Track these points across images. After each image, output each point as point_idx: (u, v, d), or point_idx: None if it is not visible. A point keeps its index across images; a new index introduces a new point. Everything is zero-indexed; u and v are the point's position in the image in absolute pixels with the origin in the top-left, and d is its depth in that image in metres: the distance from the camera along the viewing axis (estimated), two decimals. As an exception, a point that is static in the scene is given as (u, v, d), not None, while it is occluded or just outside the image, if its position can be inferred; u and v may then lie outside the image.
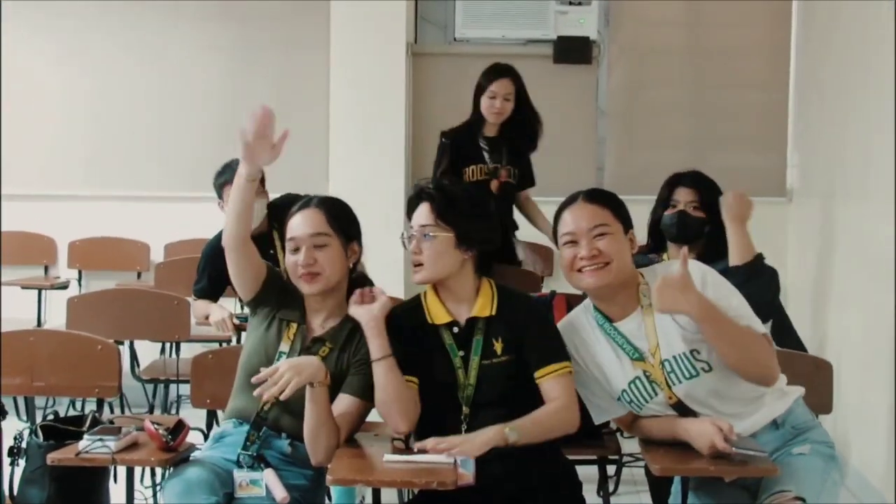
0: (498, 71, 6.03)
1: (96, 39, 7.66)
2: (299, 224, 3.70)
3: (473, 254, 3.61)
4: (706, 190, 4.78)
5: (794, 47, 7.52)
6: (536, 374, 3.55)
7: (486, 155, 6.11)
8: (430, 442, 3.37)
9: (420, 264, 3.56)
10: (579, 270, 3.50)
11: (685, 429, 3.45)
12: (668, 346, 3.50)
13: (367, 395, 3.59)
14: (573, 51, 7.53)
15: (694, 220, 4.71)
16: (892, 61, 5.45)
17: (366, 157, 7.07)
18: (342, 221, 3.75)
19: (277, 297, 3.79)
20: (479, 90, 6.07)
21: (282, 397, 3.33)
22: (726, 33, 7.63)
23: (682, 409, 3.50)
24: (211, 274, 5.34)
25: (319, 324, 3.72)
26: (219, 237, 5.72)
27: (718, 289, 3.52)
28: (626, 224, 3.58)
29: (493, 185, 6.07)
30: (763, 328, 3.56)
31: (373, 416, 3.78)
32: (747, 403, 3.53)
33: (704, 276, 3.51)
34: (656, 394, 3.51)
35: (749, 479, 3.50)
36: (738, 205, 4.65)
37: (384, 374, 3.48)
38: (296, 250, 3.66)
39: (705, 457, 3.35)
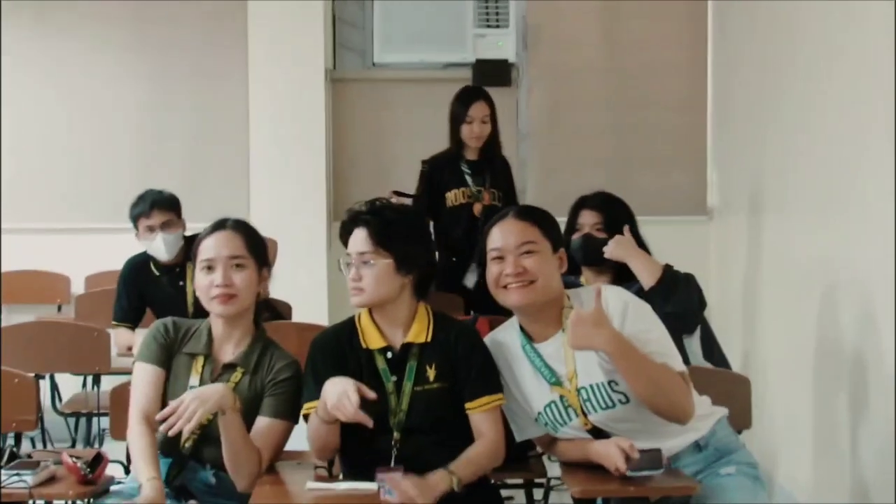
0: (471, 95, 6.07)
1: (9, 66, 7.55)
2: (216, 245, 3.64)
3: (412, 278, 3.60)
4: (610, 211, 4.83)
5: (711, 67, 7.61)
6: (467, 406, 3.55)
7: (468, 178, 6.11)
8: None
9: (360, 289, 3.53)
10: (504, 287, 3.50)
11: (595, 451, 3.45)
12: (586, 374, 3.48)
13: (286, 415, 3.57)
14: (492, 74, 7.55)
15: (598, 241, 4.72)
16: (804, 77, 5.57)
17: (287, 184, 7.07)
18: (257, 245, 3.72)
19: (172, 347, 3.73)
20: (456, 117, 6.10)
21: (187, 428, 3.27)
22: (644, 54, 7.70)
23: (599, 434, 3.50)
24: (130, 296, 5.34)
25: (230, 350, 3.67)
26: (135, 259, 5.72)
27: (639, 321, 3.51)
28: (556, 243, 3.58)
29: (477, 208, 6.06)
30: (681, 366, 3.54)
31: (294, 445, 3.78)
32: (665, 432, 3.51)
33: (626, 306, 3.51)
34: (571, 419, 3.51)
35: (674, 498, 3.48)
36: (618, 247, 4.68)
37: (316, 426, 3.46)
38: (209, 269, 3.61)
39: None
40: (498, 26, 7.60)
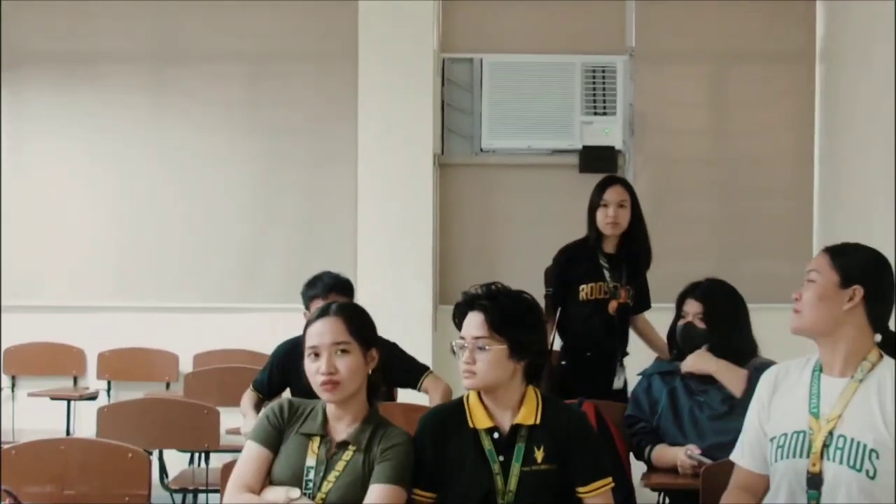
0: (609, 181, 5.80)
1: (126, 149, 7.73)
2: (320, 332, 3.66)
3: (524, 364, 3.61)
4: (712, 301, 4.87)
5: (818, 155, 7.57)
6: (580, 490, 3.54)
7: (606, 273, 5.76)
8: None
9: (472, 373, 3.54)
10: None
11: None
12: (853, 427, 3.36)
13: (398, 481, 3.52)
14: (599, 160, 7.55)
15: (697, 331, 4.80)
16: None
17: (394, 267, 7.10)
18: (362, 328, 3.70)
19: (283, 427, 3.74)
20: (593, 206, 5.78)
21: None
22: (750, 142, 7.67)
23: (815, 483, 3.37)
24: (274, 372, 5.32)
25: (343, 430, 3.64)
26: (291, 341, 5.72)
27: None
28: (847, 277, 3.43)
29: (612, 306, 5.71)
30: None
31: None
32: None
33: None
34: (801, 455, 3.40)
35: None
36: (697, 362, 4.76)
37: None
38: (316, 356, 3.63)
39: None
40: (605, 113, 7.60)
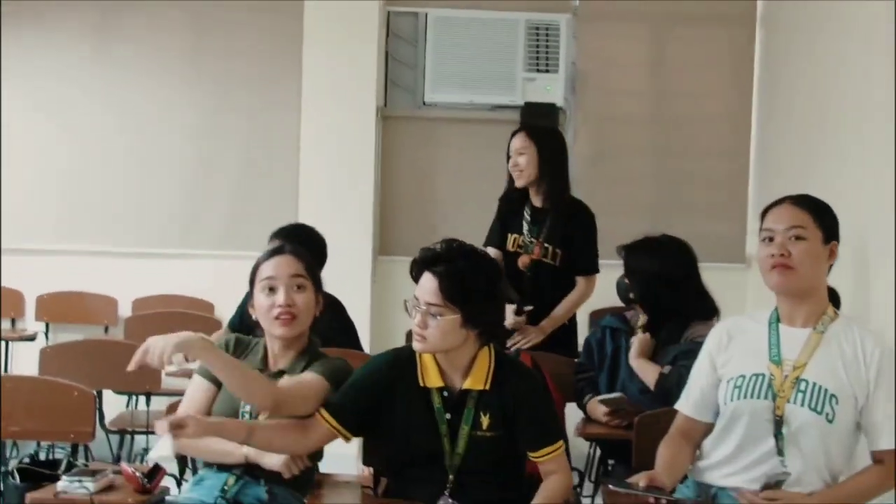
0: (515, 131, 5.65)
1: (68, 92, 7.70)
2: (277, 266, 3.72)
3: (478, 331, 3.59)
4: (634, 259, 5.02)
5: (755, 117, 7.66)
6: (531, 455, 3.59)
7: (525, 226, 5.60)
8: None
9: (424, 337, 3.49)
10: (770, 268, 3.49)
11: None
12: (818, 374, 3.46)
13: (324, 376, 3.57)
14: (540, 117, 7.50)
15: (625, 286, 5.05)
16: (846, 130, 5.64)
17: (335, 218, 7.09)
18: (314, 270, 3.82)
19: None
20: (507, 156, 5.64)
21: (159, 363, 3.24)
22: (689, 103, 7.75)
23: (780, 424, 3.47)
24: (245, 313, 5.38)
25: (283, 363, 3.74)
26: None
27: (886, 377, 3.46)
28: (828, 234, 3.54)
29: (522, 260, 5.52)
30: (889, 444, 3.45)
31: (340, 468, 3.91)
32: (817, 480, 3.49)
33: (882, 359, 3.47)
34: (764, 398, 3.48)
35: None
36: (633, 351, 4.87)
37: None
38: (271, 290, 3.69)
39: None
40: (547, 71, 7.63)
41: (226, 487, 3.65)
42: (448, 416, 3.59)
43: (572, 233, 5.58)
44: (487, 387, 3.59)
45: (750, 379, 3.53)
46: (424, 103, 7.75)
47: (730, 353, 3.63)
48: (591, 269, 5.61)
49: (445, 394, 3.60)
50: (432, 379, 3.60)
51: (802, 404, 3.45)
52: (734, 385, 3.56)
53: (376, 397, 3.63)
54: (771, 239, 3.50)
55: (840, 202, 5.63)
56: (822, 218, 3.53)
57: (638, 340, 4.88)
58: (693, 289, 4.96)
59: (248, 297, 5.65)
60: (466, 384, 3.58)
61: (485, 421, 3.58)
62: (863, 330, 3.56)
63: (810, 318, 3.54)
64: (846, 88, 5.78)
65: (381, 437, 3.70)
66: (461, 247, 3.63)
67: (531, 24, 7.66)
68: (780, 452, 3.47)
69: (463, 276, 3.52)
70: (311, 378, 3.58)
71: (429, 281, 3.50)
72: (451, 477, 3.58)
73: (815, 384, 3.44)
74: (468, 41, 7.67)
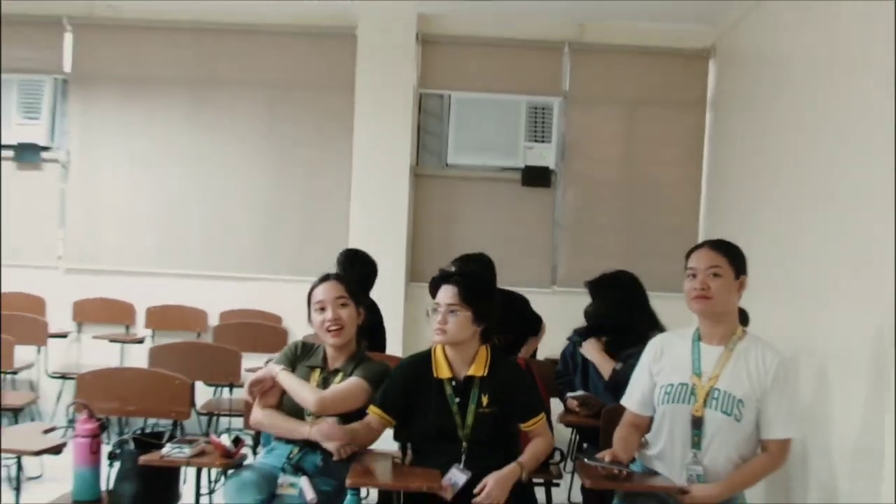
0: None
1: (171, 153, 7.74)
2: (325, 290, 3.88)
3: (483, 327, 3.76)
4: (595, 291, 5.14)
5: (705, 182, 7.62)
6: (522, 426, 3.74)
7: None
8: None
9: (444, 331, 3.68)
10: (693, 298, 3.56)
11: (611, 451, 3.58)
12: (729, 383, 3.52)
13: (367, 380, 3.78)
14: (536, 177, 7.61)
15: (589, 310, 5.08)
16: (778, 190, 5.69)
17: (377, 253, 6.98)
18: (354, 292, 3.93)
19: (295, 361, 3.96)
20: None
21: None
22: (652, 168, 7.71)
23: (698, 424, 3.55)
24: None
25: (337, 363, 3.89)
26: None
27: (777, 389, 3.52)
28: (738, 270, 3.58)
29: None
30: (785, 433, 3.54)
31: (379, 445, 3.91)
32: (729, 467, 3.55)
33: (778, 371, 3.53)
34: (688, 402, 3.56)
35: (661, 494, 3.54)
36: (587, 349, 5.00)
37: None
38: (322, 310, 3.85)
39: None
40: (543, 141, 7.63)
41: (291, 455, 3.75)
42: (457, 399, 3.71)
43: None
44: (486, 373, 3.73)
45: (677, 387, 3.62)
46: (447, 165, 7.74)
47: (662, 363, 3.71)
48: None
49: (454, 382, 3.73)
50: (443, 371, 3.75)
51: (716, 409, 3.54)
52: (665, 391, 3.65)
53: (406, 390, 3.75)
54: (694, 275, 3.58)
55: (765, 242, 5.73)
56: (734, 258, 3.60)
57: (589, 342, 5.01)
58: (644, 311, 5.01)
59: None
60: (470, 371, 3.73)
61: (485, 400, 3.70)
62: (764, 345, 3.61)
63: (723, 338, 3.61)
64: (774, 158, 5.81)
65: (409, 419, 3.79)
66: (468, 258, 3.87)
67: (531, 105, 7.67)
68: (696, 446, 3.55)
69: (474, 283, 3.78)
70: (354, 382, 3.77)
71: (448, 289, 3.71)
72: (464, 445, 3.67)
73: (726, 392, 3.52)
74: (482, 117, 7.68)
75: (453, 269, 4.09)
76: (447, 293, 3.73)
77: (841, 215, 4.60)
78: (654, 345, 3.80)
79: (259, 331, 6.86)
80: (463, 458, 3.67)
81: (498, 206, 7.73)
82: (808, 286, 5.01)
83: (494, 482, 3.54)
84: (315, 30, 7.65)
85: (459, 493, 3.57)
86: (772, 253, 5.62)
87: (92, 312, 7.64)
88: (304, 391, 3.71)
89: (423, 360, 3.84)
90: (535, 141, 7.70)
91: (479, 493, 3.53)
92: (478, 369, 3.75)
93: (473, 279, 3.86)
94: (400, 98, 7.55)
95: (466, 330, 3.72)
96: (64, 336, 7.42)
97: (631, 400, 3.79)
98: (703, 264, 3.58)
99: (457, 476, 3.62)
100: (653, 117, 7.78)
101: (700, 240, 7.42)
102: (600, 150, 7.79)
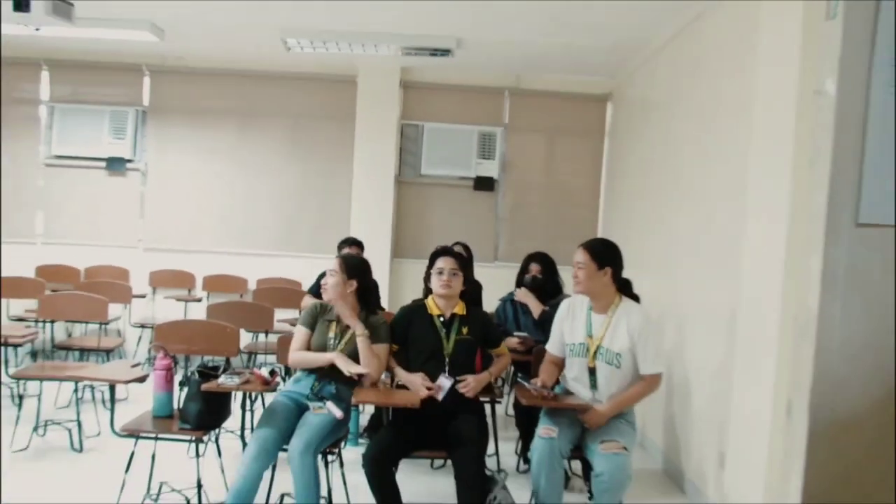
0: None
1: (222, 163, 7.66)
2: (331, 266, 3.86)
3: (466, 287, 3.88)
4: (546, 264, 5.11)
5: (603, 189, 7.60)
6: (492, 351, 3.88)
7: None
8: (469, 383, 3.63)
9: (450, 286, 3.78)
10: (574, 284, 3.61)
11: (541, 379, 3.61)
12: (611, 342, 3.55)
13: (385, 341, 3.76)
14: (484, 184, 7.60)
15: (536, 280, 5.05)
16: (653, 194, 5.73)
17: (370, 237, 7.10)
18: (350, 268, 3.86)
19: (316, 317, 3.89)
20: None
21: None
22: (566, 179, 7.68)
23: (592, 372, 3.59)
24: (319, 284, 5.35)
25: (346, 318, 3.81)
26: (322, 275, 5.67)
27: (643, 337, 3.52)
28: (601, 264, 3.57)
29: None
30: (658, 368, 3.55)
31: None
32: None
33: (642, 326, 3.54)
34: (584, 357, 3.60)
35: (574, 414, 3.58)
36: (520, 295, 5.03)
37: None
38: (324, 277, 3.86)
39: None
40: (489, 158, 7.61)
41: (314, 385, 3.74)
42: (444, 330, 3.75)
43: None
44: (465, 313, 3.81)
45: (577, 346, 3.65)
46: (421, 174, 7.68)
47: (568, 324, 3.73)
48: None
49: (442, 318, 3.78)
50: (435, 311, 3.80)
51: (602, 360, 3.58)
52: (570, 348, 3.69)
53: (406, 326, 3.81)
54: (575, 267, 3.62)
55: (645, 231, 5.77)
56: (596, 255, 3.60)
57: (522, 290, 5.06)
58: (557, 276, 5.13)
59: (318, 278, 5.67)
60: (455, 311, 3.80)
61: (464, 330, 3.77)
62: (635, 310, 3.62)
63: (605, 308, 3.62)
64: (651, 172, 5.81)
65: (407, 345, 3.83)
66: (457, 243, 4.58)
67: (481, 133, 7.63)
68: (593, 386, 3.61)
69: (462, 256, 3.97)
70: (383, 346, 3.75)
71: (449, 259, 3.86)
72: (447, 361, 3.71)
73: (607, 349, 3.56)
74: (446, 141, 7.63)
75: (447, 247, 4.21)
76: (449, 262, 3.85)
77: (701, 211, 4.64)
78: (564, 306, 3.81)
79: (285, 293, 6.81)
80: (446, 370, 3.70)
81: (456, 204, 7.72)
82: (677, 262, 5.05)
83: (474, 378, 3.65)
84: (326, 77, 7.57)
85: (437, 402, 3.60)
86: (649, 238, 5.69)
87: (163, 280, 7.55)
88: (356, 367, 3.65)
89: (418, 306, 3.92)
90: (484, 158, 7.66)
91: (462, 388, 3.64)
92: (460, 310, 3.82)
93: (462, 254, 4.09)
94: (388, 127, 7.49)
95: (459, 286, 3.84)
96: (143, 297, 7.35)
97: (552, 345, 3.81)
98: (575, 261, 3.63)
99: (444, 382, 3.65)
100: (566, 142, 7.75)
101: (598, 229, 7.61)
102: (529, 165, 7.76)
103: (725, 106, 4.31)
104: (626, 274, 3.75)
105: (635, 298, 3.82)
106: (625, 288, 3.76)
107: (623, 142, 7.02)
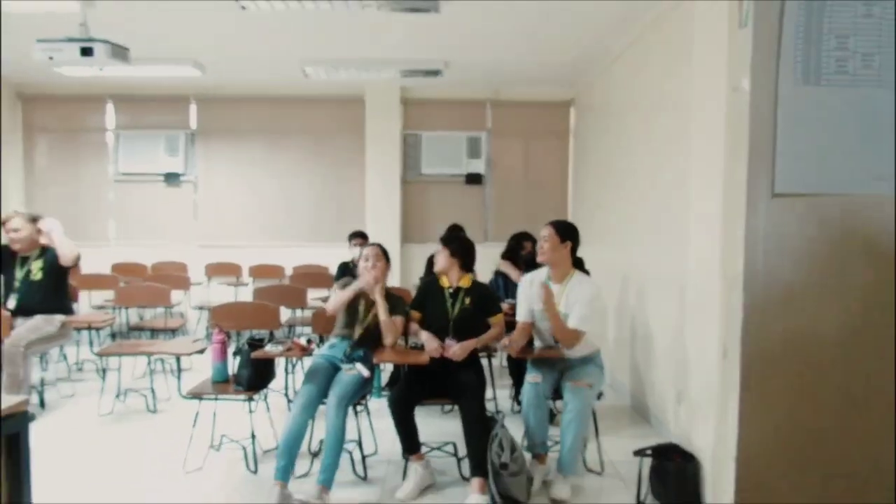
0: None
1: (257, 169, 7.60)
2: (367, 251, 3.78)
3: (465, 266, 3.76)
4: (533, 242, 5.08)
5: (571, 181, 7.55)
6: (490, 319, 3.71)
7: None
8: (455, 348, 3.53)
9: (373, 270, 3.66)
10: (539, 255, 3.58)
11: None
12: (563, 307, 3.52)
13: (402, 314, 3.69)
14: (474, 179, 7.55)
15: (530, 256, 4.93)
16: (614, 183, 5.70)
17: (382, 227, 7.13)
18: (386, 255, 3.80)
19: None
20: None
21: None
22: (540, 174, 7.63)
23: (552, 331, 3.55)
24: (344, 274, 5.27)
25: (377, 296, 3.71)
26: (343, 264, 5.59)
27: (582, 300, 3.49)
28: (563, 238, 3.54)
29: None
30: (582, 327, 3.48)
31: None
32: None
33: (589, 292, 3.49)
34: (544, 319, 3.55)
35: (557, 364, 3.56)
36: (504, 267, 4.98)
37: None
38: (367, 260, 3.74)
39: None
40: (477, 158, 7.57)
41: (346, 350, 3.67)
42: (451, 300, 3.69)
43: None
44: (469, 286, 3.73)
45: (539, 311, 3.60)
46: (421, 174, 7.63)
47: (530, 293, 3.67)
48: None
49: (450, 290, 3.71)
50: (445, 283, 3.73)
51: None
52: (533, 313, 3.65)
53: (425, 296, 3.75)
54: (541, 240, 3.58)
55: (607, 213, 5.75)
56: (559, 230, 3.57)
57: (505, 262, 5.00)
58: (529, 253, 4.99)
59: (341, 269, 5.53)
60: (461, 284, 3.71)
61: (467, 301, 3.69)
62: (586, 282, 3.59)
63: (561, 279, 3.59)
64: (611, 164, 5.76)
65: (426, 311, 3.77)
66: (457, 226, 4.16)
67: (469, 137, 7.58)
68: (556, 341, 3.57)
69: (460, 241, 3.82)
70: (399, 318, 3.68)
71: (371, 247, 3.76)
72: (451, 326, 3.65)
73: (564, 313, 3.52)
74: (441, 145, 7.57)
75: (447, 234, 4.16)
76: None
77: (654, 195, 4.61)
78: (526, 280, 3.76)
79: (315, 276, 6.83)
80: (451, 333, 3.66)
81: (452, 197, 7.68)
82: (636, 238, 5.02)
83: (458, 345, 3.56)
84: (339, 97, 7.49)
85: (443, 359, 3.56)
86: (611, 220, 5.68)
87: (216, 270, 7.52)
88: (389, 327, 3.62)
89: (434, 280, 3.82)
90: (472, 158, 7.61)
91: (448, 352, 3.56)
92: (465, 282, 3.74)
93: (462, 239, 3.90)
94: (392, 136, 7.44)
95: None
96: (199, 284, 7.31)
97: (520, 314, 3.74)
98: (541, 235, 3.60)
99: (450, 342, 3.60)
100: (539, 142, 7.69)
101: (569, 213, 7.56)
102: (510, 162, 7.71)
103: (669, 104, 4.29)
104: (594, 247, 3.76)
105: (586, 273, 3.81)
106: (578, 265, 3.73)
107: (586, 139, 6.97)
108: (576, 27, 5.04)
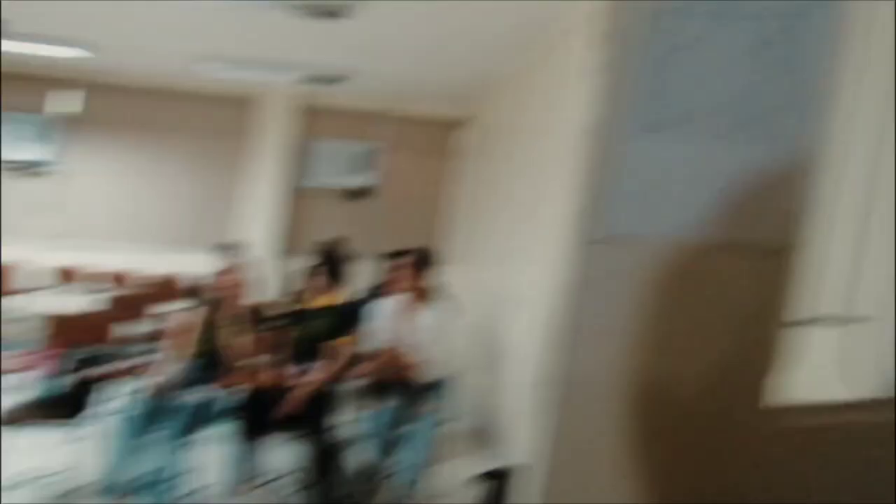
0: None
1: (133, 163, 7.12)
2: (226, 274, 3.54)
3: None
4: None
5: (463, 193, 7.26)
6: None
7: None
8: None
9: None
10: None
11: None
12: (412, 333, 3.51)
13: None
14: (363, 192, 7.35)
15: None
16: (496, 191, 5.58)
17: (264, 238, 6.87)
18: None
19: None
20: None
21: None
22: (432, 186, 7.39)
23: None
24: None
25: None
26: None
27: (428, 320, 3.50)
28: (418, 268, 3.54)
29: None
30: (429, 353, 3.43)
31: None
32: None
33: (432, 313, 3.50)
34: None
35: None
36: None
37: None
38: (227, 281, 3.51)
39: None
40: (371, 170, 7.37)
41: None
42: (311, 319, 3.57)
43: None
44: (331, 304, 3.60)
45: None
46: (312, 184, 7.30)
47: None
48: None
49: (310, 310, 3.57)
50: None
51: None
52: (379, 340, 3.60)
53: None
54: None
55: (484, 234, 5.64)
56: (417, 262, 3.57)
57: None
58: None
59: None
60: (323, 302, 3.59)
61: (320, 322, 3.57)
62: (435, 307, 3.58)
63: (412, 306, 3.59)
64: (496, 183, 5.72)
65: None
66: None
67: (363, 149, 7.36)
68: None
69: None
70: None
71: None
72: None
73: (410, 339, 3.52)
74: (336, 156, 7.32)
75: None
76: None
77: (530, 215, 4.59)
78: (389, 306, 3.70)
79: (173, 288, 6.26)
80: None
81: (341, 209, 7.41)
82: (502, 260, 5.02)
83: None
84: (227, 97, 7.12)
85: None
86: (488, 242, 5.65)
87: (71, 273, 6.84)
88: None
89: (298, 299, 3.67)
90: (365, 170, 7.40)
91: None
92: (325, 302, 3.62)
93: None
94: (284, 143, 7.16)
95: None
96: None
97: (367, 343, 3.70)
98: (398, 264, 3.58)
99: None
100: (434, 160, 7.59)
101: (457, 227, 7.24)
102: (404, 176, 7.48)
103: (547, 133, 4.33)
104: (470, 267, 3.72)
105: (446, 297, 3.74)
106: (434, 290, 3.67)
107: (478, 160, 6.93)
108: (475, 48, 5.05)
